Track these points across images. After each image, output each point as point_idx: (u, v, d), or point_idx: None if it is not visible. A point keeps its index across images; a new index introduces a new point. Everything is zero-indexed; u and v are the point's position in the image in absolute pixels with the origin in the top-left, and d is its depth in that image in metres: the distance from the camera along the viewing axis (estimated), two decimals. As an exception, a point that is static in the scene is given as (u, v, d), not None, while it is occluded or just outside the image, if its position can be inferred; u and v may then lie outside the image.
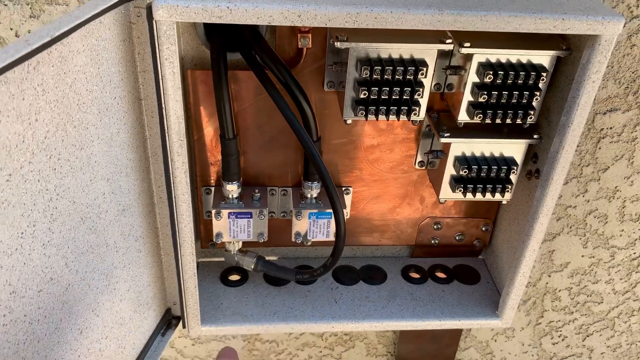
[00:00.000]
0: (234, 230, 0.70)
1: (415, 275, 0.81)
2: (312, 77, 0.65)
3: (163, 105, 0.54)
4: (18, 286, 0.43)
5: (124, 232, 0.59)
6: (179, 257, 0.64)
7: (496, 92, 0.59)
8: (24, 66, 0.39)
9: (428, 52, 0.58)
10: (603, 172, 0.77)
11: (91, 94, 0.49)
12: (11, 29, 0.61)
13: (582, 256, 0.86)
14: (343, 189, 0.74)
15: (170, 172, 0.58)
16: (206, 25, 0.61)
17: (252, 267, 0.73)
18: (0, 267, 0.41)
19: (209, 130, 0.67)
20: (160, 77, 0.52)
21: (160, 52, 0.51)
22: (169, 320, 0.73)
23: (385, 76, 0.57)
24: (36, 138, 0.42)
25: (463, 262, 0.83)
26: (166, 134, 0.55)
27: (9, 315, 0.43)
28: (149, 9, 0.49)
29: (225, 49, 0.60)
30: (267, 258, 0.80)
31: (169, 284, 0.72)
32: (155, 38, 0.50)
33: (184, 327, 0.72)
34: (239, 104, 0.66)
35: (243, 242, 0.74)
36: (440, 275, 0.81)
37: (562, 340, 0.98)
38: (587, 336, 0.98)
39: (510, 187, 0.66)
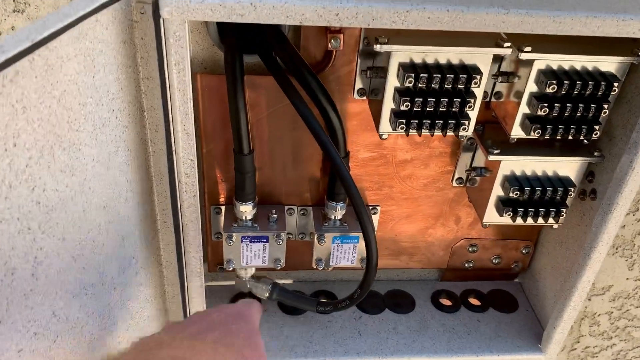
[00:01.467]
0: (247, 255, 0.61)
1: (446, 302, 0.73)
2: (339, 84, 0.56)
3: (170, 120, 0.45)
4: (-7, 350, 0.35)
5: (122, 266, 0.50)
6: (186, 291, 0.56)
7: (559, 105, 0.50)
8: (-3, 79, 0.31)
9: (482, 57, 0.49)
10: (657, 189, 0.69)
11: (84, 108, 0.40)
12: (-10, 25, 0.52)
13: (627, 279, 0.78)
14: (370, 208, 0.65)
15: (178, 195, 0.49)
16: (220, 22, 0.52)
17: (267, 295, 0.65)
18: (-31, 331, 0.32)
19: (220, 142, 0.59)
20: (167, 87, 0.44)
21: (168, 56, 0.42)
22: (173, 356, 0.65)
23: (433, 85, 0.48)
24: (14, 168, 0.34)
25: (498, 287, 0.75)
26: (173, 152, 0.47)
27: (-18, 388, 0.35)
28: (155, 5, 0.40)
29: (242, 51, 0.51)
30: (281, 282, 0.72)
31: (172, 316, 0.63)
32: (163, 40, 0.41)
33: (190, 364, 0.64)
34: (256, 113, 0.57)
35: (256, 267, 0.65)
36: (475, 302, 0.73)
37: (598, 366, 0.91)
38: (625, 362, 0.90)
39: (564, 210, 0.58)
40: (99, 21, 0.39)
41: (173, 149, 0.47)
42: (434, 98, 0.49)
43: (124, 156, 0.47)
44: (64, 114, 0.37)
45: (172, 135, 0.46)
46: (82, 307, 0.44)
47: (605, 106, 0.51)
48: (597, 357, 0.89)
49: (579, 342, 0.86)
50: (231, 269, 0.62)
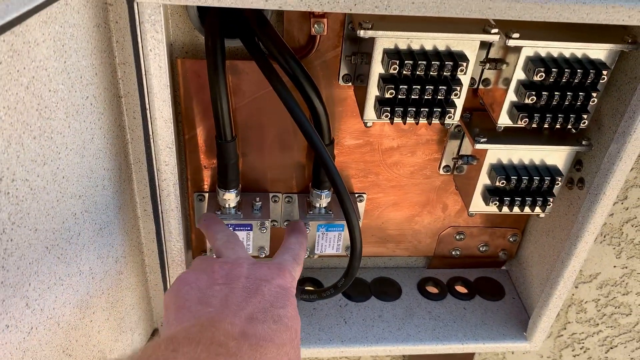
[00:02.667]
0: (231, 244, 0.61)
1: (433, 290, 0.72)
2: (324, 69, 0.55)
3: (147, 107, 0.44)
4: (-39, 344, 0.34)
5: (101, 255, 0.49)
6: (167, 279, 0.55)
7: (547, 93, 0.49)
8: (-43, 66, 0.29)
9: (468, 44, 0.48)
10: (646, 178, 0.69)
11: (56, 94, 0.39)
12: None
13: (614, 267, 0.78)
14: (356, 195, 0.65)
15: (157, 184, 0.48)
16: (200, 5, 0.50)
17: (251, 283, 0.64)
18: None
19: (203, 129, 0.58)
20: (143, 72, 0.42)
21: (143, 41, 0.41)
22: (157, 344, 0.65)
23: (417, 72, 0.47)
24: (-21, 158, 0.33)
25: (485, 274, 0.75)
26: (151, 140, 0.46)
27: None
28: (129, -13, 0.39)
29: (223, 35, 0.50)
30: (267, 270, 0.71)
31: (156, 304, 0.63)
32: (137, 25, 0.40)
33: (173, 352, 0.64)
34: (239, 99, 0.56)
35: (241, 255, 0.64)
36: (461, 289, 0.73)
37: (584, 352, 0.91)
38: (611, 348, 0.91)
39: (551, 200, 0.57)
40: (68, 4, 0.38)
41: (151, 136, 0.45)
42: (419, 85, 0.48)
43: (100, 144, 0.45)
44: (33, 102, 0.36)
45: (149, 122, 0.45)
46: (57, 298, 0.44)
47: (594, 94, 0.50)
48: (583, 343, 0.89)
49: (565, 328, 0.86)
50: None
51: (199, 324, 0.36)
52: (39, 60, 0.36)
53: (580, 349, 0.90)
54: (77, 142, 0.42)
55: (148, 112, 0.44)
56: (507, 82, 0.51)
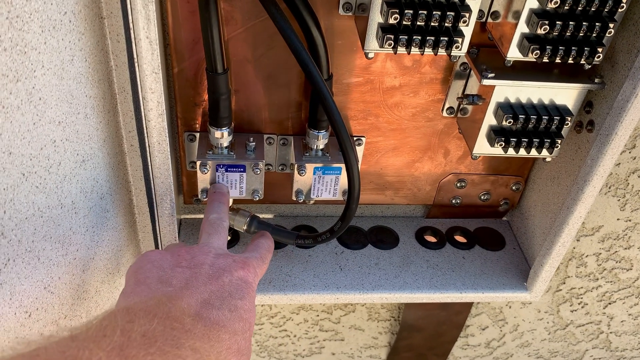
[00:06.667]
0: (223, 185, 0.58)
1: (431, 239, 0.70)
2: (323, -2, 0.51)
3: (131, 26, 0.41)
4: None
5: (84, 189, 0.46)
6: (156, 219, 0.53)
7: (561, 22, 0.46)
8: None
9: (479, -34, 0.44)
10: (656, 125, 0.66)
11: (28, 4, 0.35)
12: None
13: (618, 219, 0.76)
14: (354, 138, 0.62)
15: (143, 114, 0.45)
16: None
17: (245, 227, 0.62)
18: None
19: (193, 62, 0.54)
20: (126, -14, 0.39)
21: (125, -51, 0.37)
22: (146, 289, 0.63)
23: (424, -4, 0.43)
24: (-59, 63, 0.29)
25: (485, 225, 0.73)
26: (135, 65, 0.42)
27: None
28: None
29: (214, -45, 0.46)
30: (261, 216, 0.69)
31: (145, 247, 0.60)
32: None
33: (163, 296, 0.62)
34: (231, 28, 0.52)
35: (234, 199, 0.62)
36: (460, 239, 0.71)
37: (582, 307, 0.90)
38: (609, 304, 0.90)
39: (559, 141, 0.54)
40: None
41: (135, 60, 0.42)
42: (426, 11, 0.44)
43: (81, 67, 0.42)
44: (2, 7, 0.33)
45: (133, 44, 0.41)
46: (37, 231, 0.41)
47: (612, 25, 0.46)
48: (581, 298, 0.88)
49: (564, 283, 0.85)
50: (205, 199, 0.59)
51: (156, 298, 0.37)
52: (7, -39, 0.32)
53: (579, 304, 0.89)
54: (55, 62, 0.39)
55: (132, 32, 0.41)
56: (518, 14, 0.48)
